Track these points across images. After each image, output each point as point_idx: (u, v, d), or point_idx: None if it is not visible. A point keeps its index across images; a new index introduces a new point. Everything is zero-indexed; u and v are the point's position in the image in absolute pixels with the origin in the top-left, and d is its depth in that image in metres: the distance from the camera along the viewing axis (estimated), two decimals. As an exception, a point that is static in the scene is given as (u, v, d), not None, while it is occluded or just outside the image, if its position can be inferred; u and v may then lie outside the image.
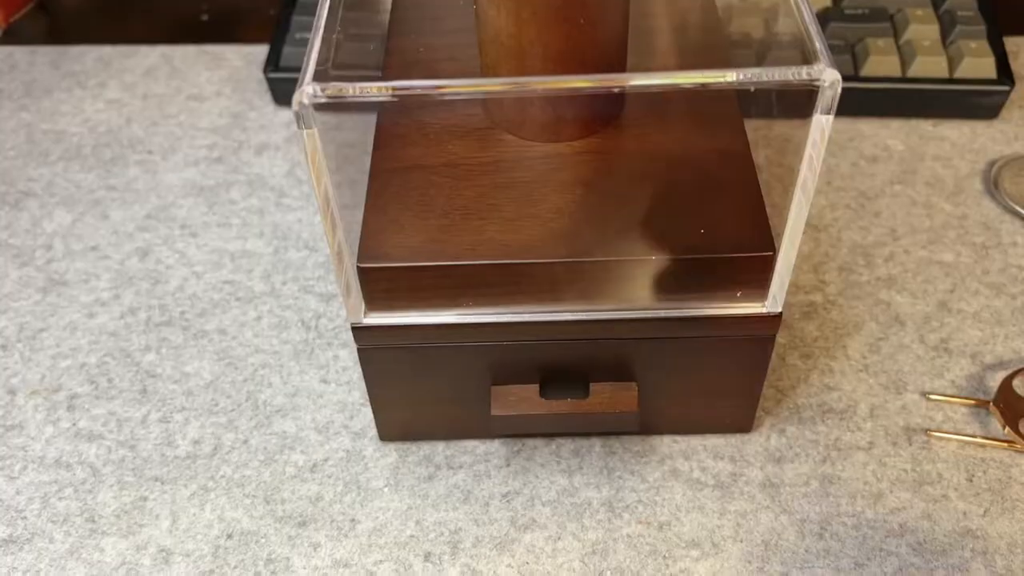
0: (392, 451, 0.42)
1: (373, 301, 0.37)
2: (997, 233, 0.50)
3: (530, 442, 0.42)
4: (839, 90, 0.30)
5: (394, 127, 0.40)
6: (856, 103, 0.55)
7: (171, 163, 0.55)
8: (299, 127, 0.31)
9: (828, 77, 0.30)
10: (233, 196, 0.53)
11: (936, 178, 0.53)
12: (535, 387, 0.39)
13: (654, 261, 0.35)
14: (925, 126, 0.55)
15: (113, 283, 0.49)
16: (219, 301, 0.48)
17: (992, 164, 0.53)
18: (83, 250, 0.51)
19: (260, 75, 0.60)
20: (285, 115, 0.58)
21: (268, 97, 0.59)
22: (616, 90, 0.38)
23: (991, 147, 0.54)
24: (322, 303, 0.48)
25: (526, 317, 0.37)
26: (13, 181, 0.55)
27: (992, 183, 0.52)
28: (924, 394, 0.43)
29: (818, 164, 0.32)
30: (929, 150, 0.54)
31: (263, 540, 0.39)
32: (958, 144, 0.54)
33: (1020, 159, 0.53)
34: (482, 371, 0.39)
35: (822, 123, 0.31)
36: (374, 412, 0.41)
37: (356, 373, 0.45)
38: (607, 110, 0.39)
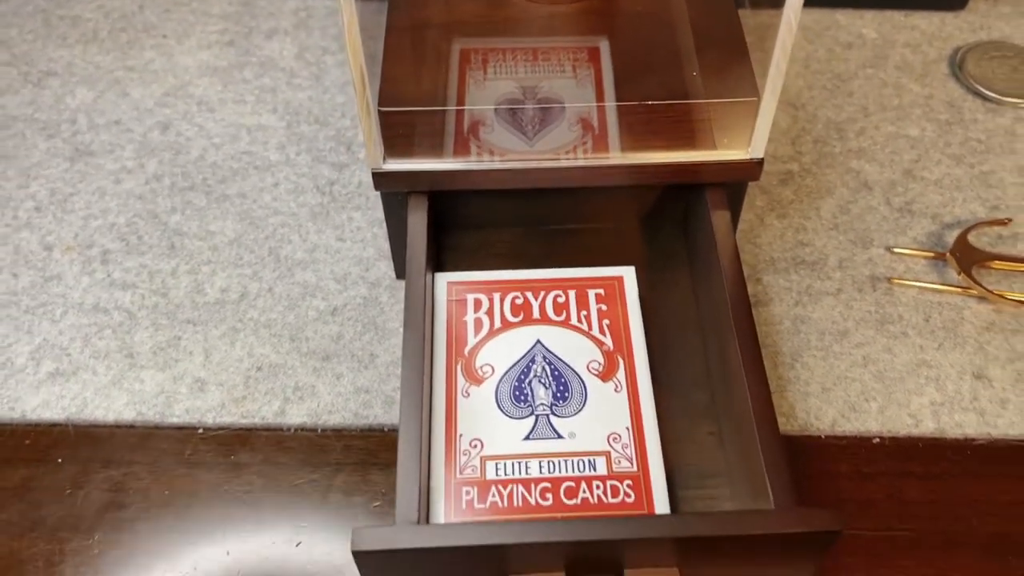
0: (403, 299, 0.46)
1: (391, 146, 0.40)
2: (960, 111, 0.54)
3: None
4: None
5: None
6: (833, -6, 0.59)
7: (185, 46, 0.58)
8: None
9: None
10: (246, 76, 0.56)
11: (906, 62, 0.56)
12: None
13: (650, 107, 0.39)
14: (897, 16, 0.59)
15: (137, 153, 0.52)
16: (238, 169, 0.52)
17: (958, 50, 0.57)
18: (106, 124, 0.54)
19: (267, -34, 0.63)
20: (294, 2, 0.60)
21: (276, -14, 0.61)
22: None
23: (957, 35, 0.58)
24: (335, 171, 0.51)
25: (527, 164, 0.40)
26: (34, 62, 0.57)
27: (957, 67, 0.56)
28: (888, 248, 0.48)
29: (795, 23, 0.35)
30: (900, 37, 0.58)
31: (290, 371, 0.43)
32: (927, 32, 0.58)
33: (983, 45, 0.57)
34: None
35: None
36: (393, 252, 0.45)
37: (370, 232, 0.49)
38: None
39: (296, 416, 0.42)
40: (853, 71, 0.56)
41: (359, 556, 0.32)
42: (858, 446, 0.41)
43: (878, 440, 0.42)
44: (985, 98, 0.54)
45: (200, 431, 0.42)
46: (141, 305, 0.46)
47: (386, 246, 0.48)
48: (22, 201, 0.50)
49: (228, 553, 0.38)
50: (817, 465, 0.41)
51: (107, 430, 0.42)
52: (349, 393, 0.43)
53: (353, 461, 0.41)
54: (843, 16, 0.59)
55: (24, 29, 0.59)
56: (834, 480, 0.40)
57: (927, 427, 0.42)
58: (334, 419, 0.42)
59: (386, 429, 0.42)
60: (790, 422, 0.42)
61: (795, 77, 0.55)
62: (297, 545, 0.39)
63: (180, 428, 0.42)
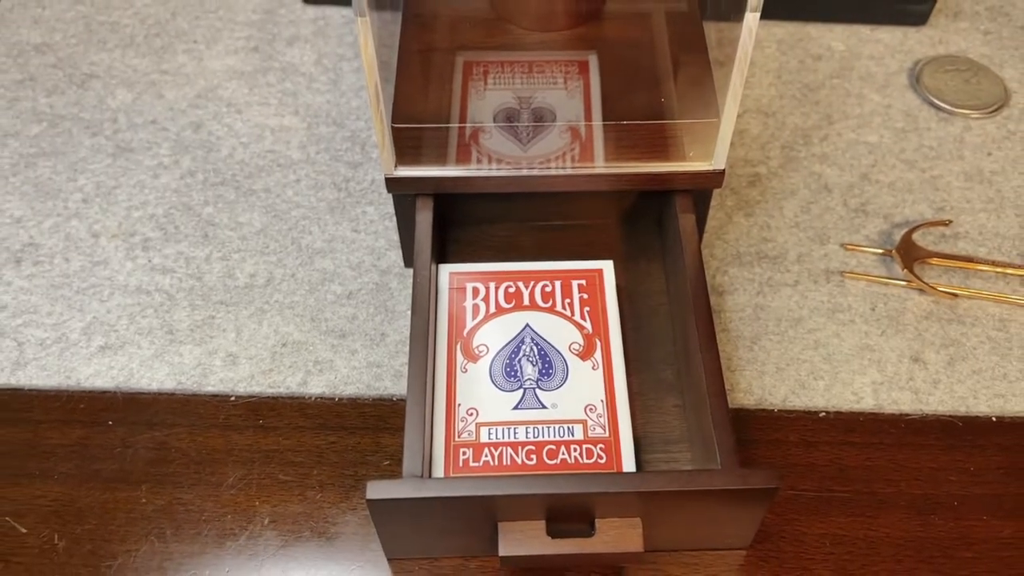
0: (412, 284, 0.52)
1: (402, 156, 0.46)
2: (915, 120, 0.59)
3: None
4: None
5: (416, 17, 0.49)
6: (805, 9, 0.64)
7: (214, 51, 0.64)
8: (356, 15, 0.40)
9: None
10: (270, 80, 0.62)
11: (869, 74, 0.62)
12: (542, 524, 0.40)
13: (625, 125, 0.45)
14: (864, 30, 0.65)
15: (172, 151, 0.58)
16: (264, 166, 0.58)
17: (917, 63, 0.62)
18: (144, 123, 0.60)
19: (288, -24, 0.68)
20: (312, 12, 0.66)
21: (296, -4, 0.67)
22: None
23: (918, 49, 0.63)
24: (351, 169, 0.57)
25: (521, 172, 0.46)
26: (77, 65, 0.63)
27: (915, 79, 0.61)
28: (843, 245, 0.53)
29: (749, 50, 0.41)
30: (866, 50, 0.63)
31: (311, 347, 0.49)
32: (890, 46, 0.64)
33: (940, 59, 0.62)
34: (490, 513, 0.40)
35: (751, 20, 0.40)
36: (402, 245, 0.51)
37: (381, 225, 0.55)
38: (591, 5, 0.48)
39: (316, 387, 0.48)
40: (821, 81, 0.62)
41: (372, 504, 0.38)
42: (806, 419, 0.47)
43: (824, 414, 0.48)
44: (938, 108, 0.60)
45: (232, 399, 0.48)
46: (179, 288, 0.52)
47: (396, 237, 0.53)
48: (71, 193, 0.56)
49: (257, 502, 0.45)
50: (769, 435, 0.47)
51: (151, 397, 0.48)
52: (363, 367, 0.49)
53: (366, 426, 0.47)
54: (814, 29, 0.65)
55: (68, 34, 0.65)
56: (783, 448, 0.46)
57: (867, 403, 0.48)
58: (350, 390, 0.48)
59: (395, 399, 0.48)
60: (747, 397, 0.48)
61: (768, 87, 0.61)
62: (319, 496, 0.45)
63: (215, 396, 0.48)
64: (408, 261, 0.52)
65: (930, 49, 0.63)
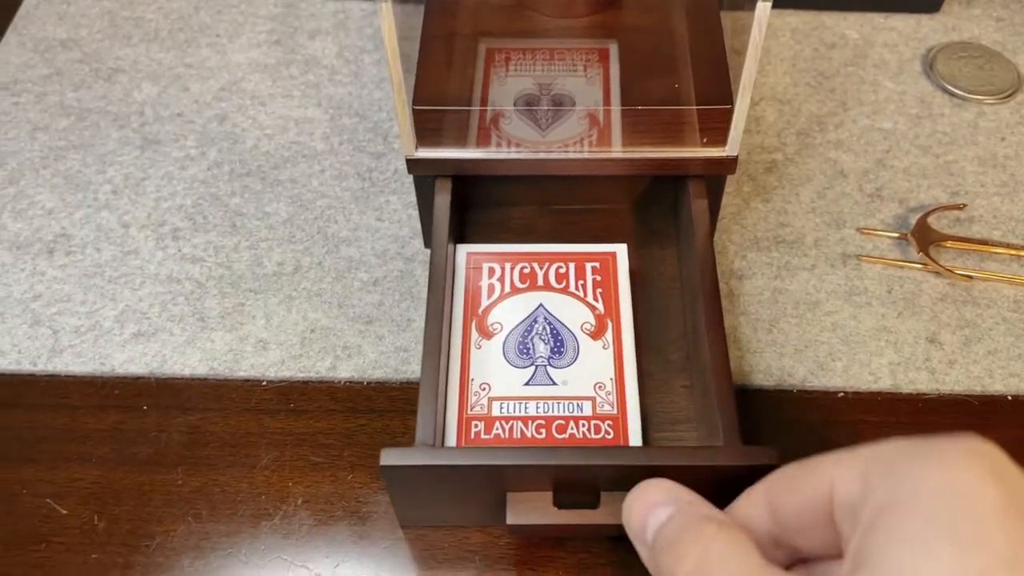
0: (436, 271, 0.53)
1: (423, 137, 0.47)
2: (929, 106, 0.60)
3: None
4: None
5: (438, 5, 0.50)
6: (820, -2, 0.65)
7: (237, 45, 0.65)
8: (379, 0, 0.41)
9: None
10: (292, 73, 0.63)
11: (883, 61, 0.63)
12: (549, 495, 0.41)
13: (640, 111, 0.46)
14: (878, 18, 0.65)
15: (199, 143, 0.60)
16: (288, 157, 0.59)
17: (930, 50, 0.63)
18: (170, 116, 0.61)
19: (307, -30, 0.69)
20: (332, 5, 0.67)
21: (316, -11, 0.68)
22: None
23: (931, 36, 0.64)
24: (374, 160, 0.58)
25: (538, 156, 0.47)
26: (103, 59, 0.64)
27: (928, 65, 0.62)
28: (859, 229, 0.54)
29: (760, 40, 0.42)
30: (879, 38, 0.64)
31: (339, 333, 0.51)
32: (904, 33, 0.64)
33: (953, 45, 0.63)
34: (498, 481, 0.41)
35: (764, 8, 0.41)
36: (423, 226, 0.52)
37: (405, 214, 0.56)
38: (610, -7, 0.49)
39: (345, 371, 0.49)
40: (835, 69, 0.62)
41: (385, 470, 0.39)
42: (824, 399, 0.48)
43: (842, 394, 0.49)
44: (952, 94, 0.60)
45: (264, 383, 0.49)
46: (209, 276, 0.53)
47: (419, 225, 0.55)
48: (101, 185, 0.57)
49: (290, 483, 0.46)
50: (789, 414, 0.48)
51: (184, 382, 0.50)
52: (390, 352, 0.50)
53: (395, 409, 0.48)
54: (828, 18, 0.65)
55: (93, 29, 0.66)
56: (803, 427, 0.47)
57: (885, 383, 0.49)
58: (377, 374, 0.49)
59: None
60: (767, 378, 0.49)
61: (783, 75, 0.62)
62: (350, 477, 0.46)
63: (247, 381, 0.49)
64: (428, 242, 0.53)
65: (943, 36, 0.64)
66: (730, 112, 0.45)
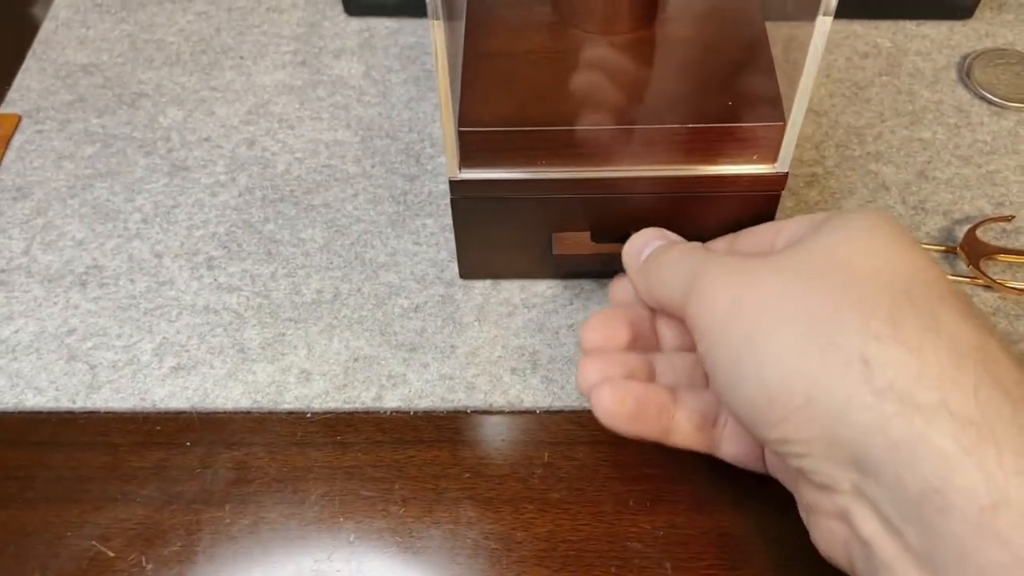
0: (477, 295, 0.52)
1: (468, 159, 0.46)
2: (967, 115, 0.60)
3: (586, 285, 0.53)
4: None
5: (481, 22, 0.49)
6: (849, 6, 0.64)
7: (261, 67, 0.64)
8: (430, 18, 0.40)
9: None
10: (320, 94, 0.62)
11: (917, 70, 0.62)
12: (587, 234, 0.50)
13: (691, 129, 0.45)
14: (910, 25, 0.65)
15: (228, 168, 0.59)
16: (321, 181, 0.58)
17: (965, 57, 0.62)
18: (197, 141, 0.60)
19: (329, -12, 0.68)
20: (356, 24, 0.66)
21: (339, 8, 0.67)
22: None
23: (965, 43, 0.63)
24: (407, 182, 0.57)
25: (585, 175, 0.47)
26: (126, 84, 0.63)
27: (965, 73, 0.61)
28: (904, 243, 0.53)
29: (820, 54, 0.41)
30: (912, 46, 0.63)
31: (383, 362, 0.50)
32: (937, 40, 0.64)
33: (989, 52, 0.62)
34: (546, 220, 0.49)
35: (824, 23, 0.40)
36: (458, 253, 0.51)
37: (442, 237, 0.55)
38: (653, 8, 0.48)
39: (391, 401, 0.48)
40: (870, 79, 0.62)
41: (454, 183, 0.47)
42: (881, 419, 0.48)
43: (898, 413, 0.48)
44: (990, 103, 0.60)
45: (308, 415, 0.48)
46: (247, 306, 0.52)
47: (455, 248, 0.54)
48: (131, 214, 0.56)
49: (342, 518, 0.45)
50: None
51: (227, 416, 0.49)
52: (435, 380, 0.49)
53: (443, 439, 0.47)
54: (860, 27, 0.65)
55: (114, 53, 0.65)
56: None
57: (941, 401, 0.48)
58: (424, 403, 0.48)
59: (469, 411, 0.48)
60: (821, 399, 0.48)
61: (818, 87, 0.61)
62: (402, 511, 0.45)
63: (291, 413, 0.49)
64: (464, 272, 0.52)
65: (977, 43, 0.63)
66: (782, 129, 0.44)
